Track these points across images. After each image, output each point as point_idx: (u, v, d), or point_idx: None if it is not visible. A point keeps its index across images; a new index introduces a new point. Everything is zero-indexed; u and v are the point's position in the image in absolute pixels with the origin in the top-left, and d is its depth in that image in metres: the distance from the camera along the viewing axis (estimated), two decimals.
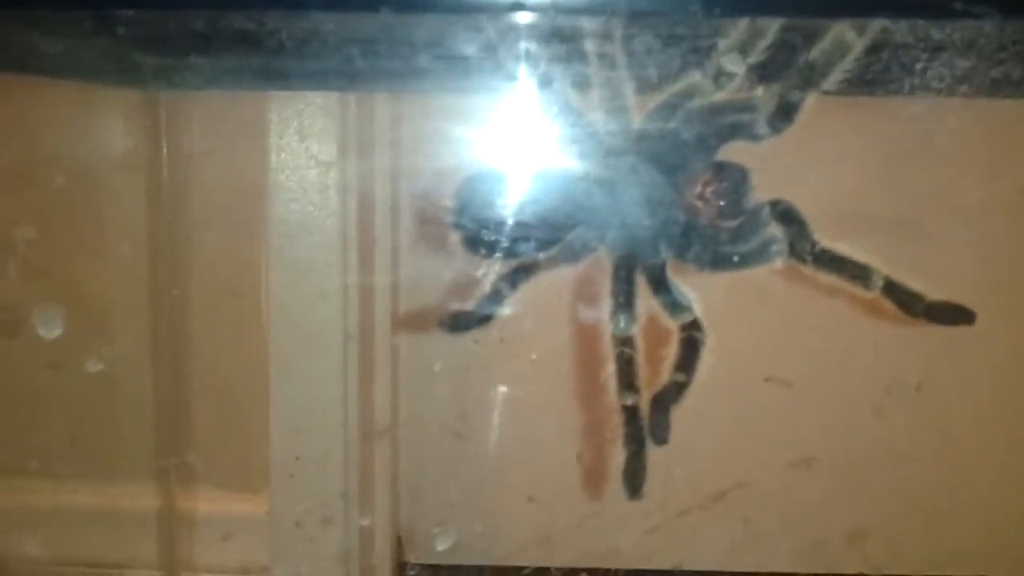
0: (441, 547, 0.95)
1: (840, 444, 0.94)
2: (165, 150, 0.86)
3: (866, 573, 0.95)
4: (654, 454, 0.56)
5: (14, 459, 0.96)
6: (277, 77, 0.79)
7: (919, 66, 0.47)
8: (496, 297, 0.56)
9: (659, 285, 0.54)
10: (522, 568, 0.98)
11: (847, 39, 0.46)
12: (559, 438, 0.94)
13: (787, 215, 0.51)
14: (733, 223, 0.53)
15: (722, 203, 0.53)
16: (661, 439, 0.55)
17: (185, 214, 0.90)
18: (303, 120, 0.86)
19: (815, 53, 0.47)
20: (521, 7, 0.43)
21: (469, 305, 0.58)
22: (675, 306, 0.54)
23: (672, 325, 0.54)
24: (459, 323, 0.63)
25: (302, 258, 0.88)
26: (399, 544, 0.99)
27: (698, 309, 0.54)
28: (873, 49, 0.46)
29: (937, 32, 0.45)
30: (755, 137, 0.51)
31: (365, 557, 0.95)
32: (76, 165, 0.90)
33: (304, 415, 0.90)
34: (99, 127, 0.90)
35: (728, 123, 0.52)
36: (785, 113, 0.50)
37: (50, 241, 0.92)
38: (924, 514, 0.95)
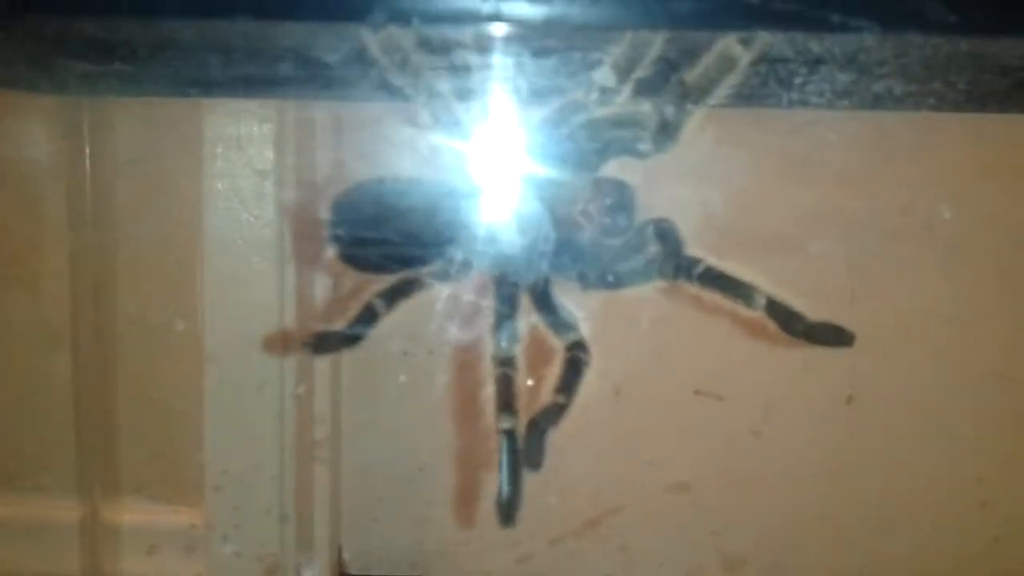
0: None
1: (718, 467, 0.94)
2: (88, 158, 0.85)
3: None
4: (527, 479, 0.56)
5: None
6: (209, 84, 0.78)
7: (798, 80, 0.47)
8: (369, 316, 0.56)
9: (543, 304, 0.54)
10: None
11: (733, 53, 0.46)
12: (432, 461, 0.94)
13: (668, 234, 0.50)
14: (617, 241, 0.52)
15: (605, 220, 0.52)
16: (535, 464, 0.53)
17: (111, 223, 0.89)
18: (239, 127, 0.86)
19: (700, 68, 0.47)
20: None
21: (336, 325, 0.57)
22: (560, 325, 0.53)
23: (557, 344, 0.53)
24: (323, 344, 0.62)
25: (237, 268, 0.87)
26: (340, 557, 0.99)
27: (582, 329, 0.53)
28: (751, 63, 0.46)
29: (816, 45, 0.45)
30: (639, 154, 0.51)
31: (300, 571, 0.94)
32: None
33: (236, 429, 0.90)
34: (18, 133, 0.89)
35: (611, 139, 0.51)
36: (667, 131, 0.49)
37: None
38: (804, 538, 0.96)
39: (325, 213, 0.56)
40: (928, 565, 0.98)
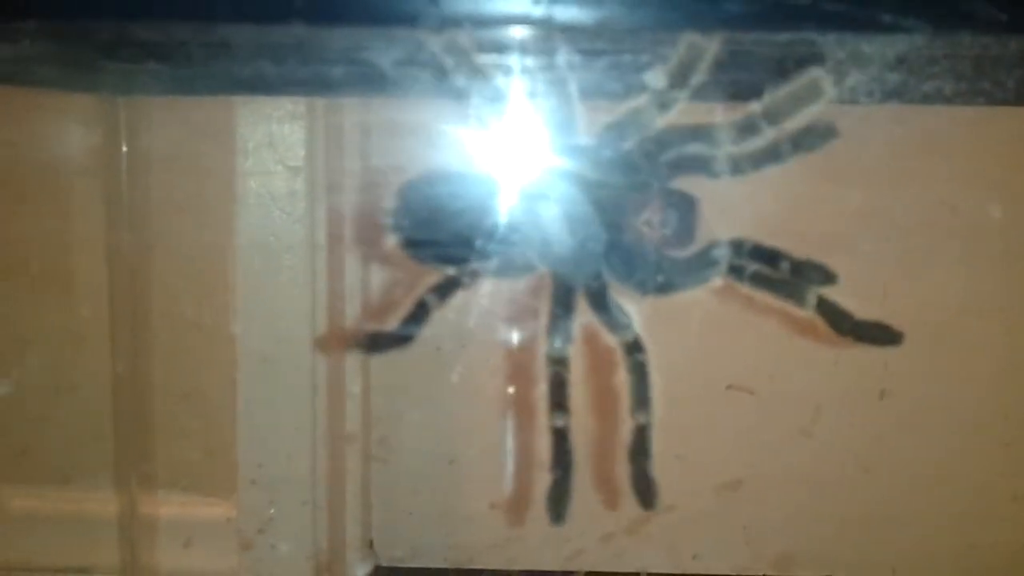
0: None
1: (768, 466, 0.95)
2: (125, 155, 0.86)
3: None
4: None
5: None
6: (242, 84, 0.79)
7: (849, 81, 0.47)
8: (421, 313, 0.56)
9: (599, 304, 0.54)
10: (481, 571, 0.99)
11: (821, 85, 0.47)
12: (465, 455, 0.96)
13: (754, 252, 0.51)
14: (679, 254, 0.53)
15: (667, 231, 0.53)
16: (651, 503, 0.54)
17: (147, 221, 0.90)
18: (271, 125, 0.87)
19: (783, 94, 0.48)
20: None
21: (391, 324, 0.57)
22: (615, 324, 0.53)
23: (612, 342, 0.54)
24: (376, 344, 0.62)
25: (269, 265, 0.88)
26: (371, 549, 1.00)
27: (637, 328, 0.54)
28: (800, 63, 0.47)
29: (867, 46, 0.45)
30: (713, 174, 0.51)
31: (335, 563, 0.95)
32: (33, 171, 0.90)
33: (270, 422, 0.91)
34: (56, 132, 0.90)
35: (685, 154, 0.52)
36: (745, 161, 0.50)
37: (7, 247, 0.92)
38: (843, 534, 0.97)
39: (390, 202, 0.56)
40: (964, 558, 0.98)
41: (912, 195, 0.76)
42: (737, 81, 0.48)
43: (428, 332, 0.91)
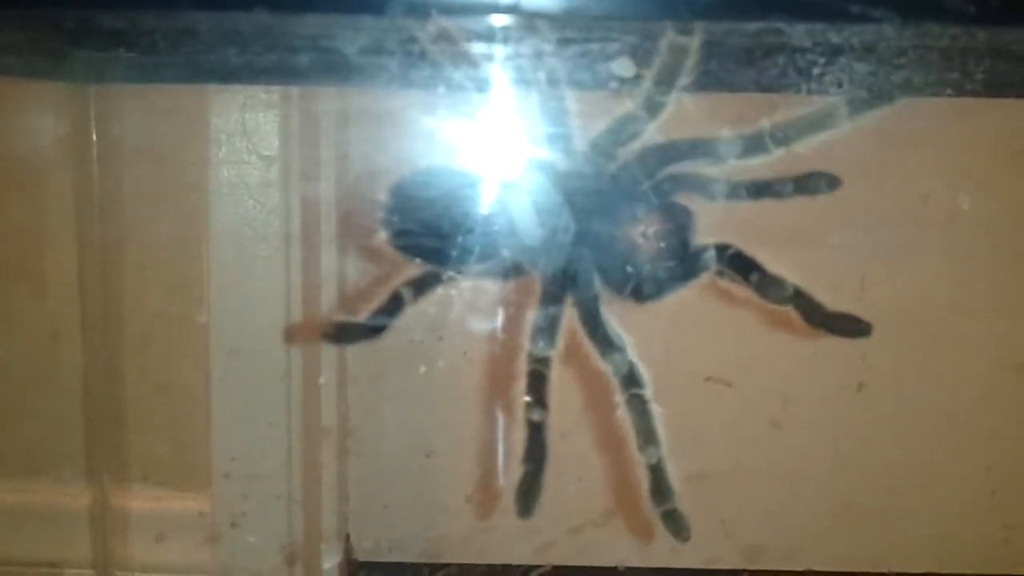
0: None
1: (745, 457, 0.96)
2: (95, 144, 0.86)
3: None
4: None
5: None
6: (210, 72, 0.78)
7: (816, 71, 0.48)
8: (395, 305, 0.56)
9: (592, 323, 0.54)
10: (448, 565, 0.99)
11: (836, 113, 0.48)
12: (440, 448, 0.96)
13: (737, 259, 0.51)
14: (672, 263, 0.53)
15: (663, 244, 0.53)
16: (683, 536, 0.54)
17: (118, 211, 0.89)
18: (245, 114, 0.86)
19: (796, 121, 0.48)
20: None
21: (360, 315, 0.57)
22: (608, 347, 0.53)
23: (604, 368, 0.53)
24: (345, 335, 0.62)
25: (243, 255, 0.88)
26: (347, 542, 1.00)
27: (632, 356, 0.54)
28: (769, 53, 0.47)
29: (835, 36, 0.46)
30: (711, 195, 0.51)
31: (310, 556, 0.96)
32: (1, 161, 0.89)
33: (243, 416, 0.91)
34: (25, 122, 0.89)
35: (683, 171, 0.52)
36: (745, 188, 0.50)
37: None
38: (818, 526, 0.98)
39: (383, 197, 0.56)
40: (939, 552, 0.99)
41: (882, 187, 0.77)
42: (707, 71, 0.48)
43: (403, 325, 0.92)
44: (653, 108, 0.51)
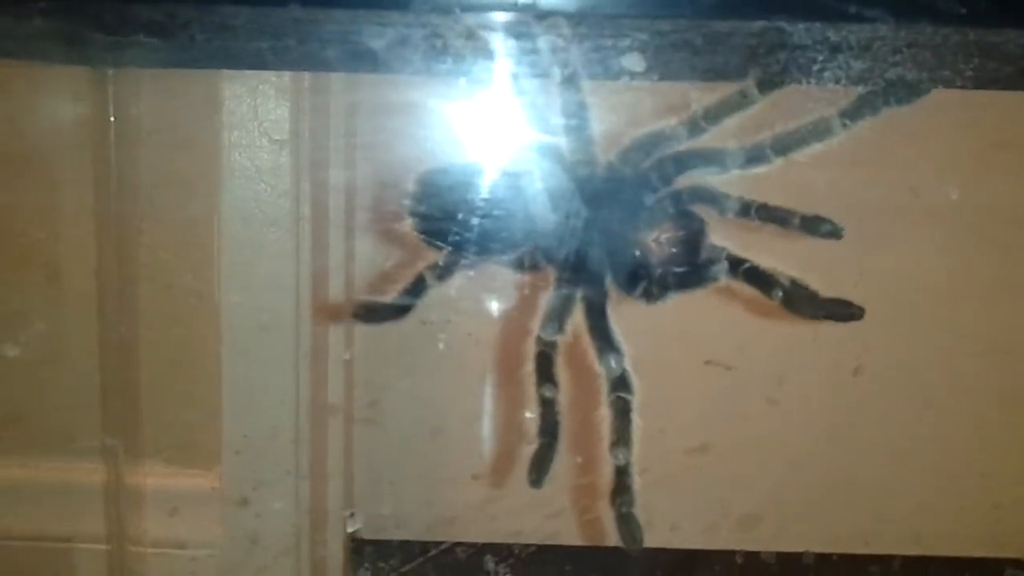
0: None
1: (734, 433, 1.00)
2: (113, 126, 0.89)
3: None
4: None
5: None
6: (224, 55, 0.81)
7: (816, 67, 0.51)
8: (419, 287, 0.59)
9: (597, 322, 0.57)
10: (473, 544, 1.03)
11: (832, 125, 0.51)
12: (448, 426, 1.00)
13: (753, 274, 0.54)
14: (682, 269, 0.56)
15: (674, 250, 0.56)
16: (639, 544, 0.56)
17: (135, 193, 0.92)
18: (256, 98, 0.89)
19: (796, 130, 0.51)
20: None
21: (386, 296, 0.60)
22: (607, 347, 0.56)
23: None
24: (371, 314, 0.65)
25: (254, 237, 0.91)
26: (353, 518, 1.03)
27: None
28: (771, 50, 0.51)
29: (834, 34, 0.49)
30: (722, 209, 0.55)
31: (316, 533, 0.99)
32: (22, 143, 0.92)
33: (254, 394, 0.94)
34: (45, 105, 0.91)
35: (697, 184, 0.55)
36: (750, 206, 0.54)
37: None
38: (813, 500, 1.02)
39: (410, 186, 0.59)
40: (929, 531, 1.03)
41: (875, 177, 0.81)
42: (712, 67, 0.52)
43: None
44: (694, 131, 0.54)
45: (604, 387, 0.57)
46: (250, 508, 0.96)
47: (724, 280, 0.56)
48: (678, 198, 0.57)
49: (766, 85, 0.52)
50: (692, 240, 0.57)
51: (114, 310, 0.94)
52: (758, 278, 0.55)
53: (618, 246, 0.58)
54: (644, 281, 0.57)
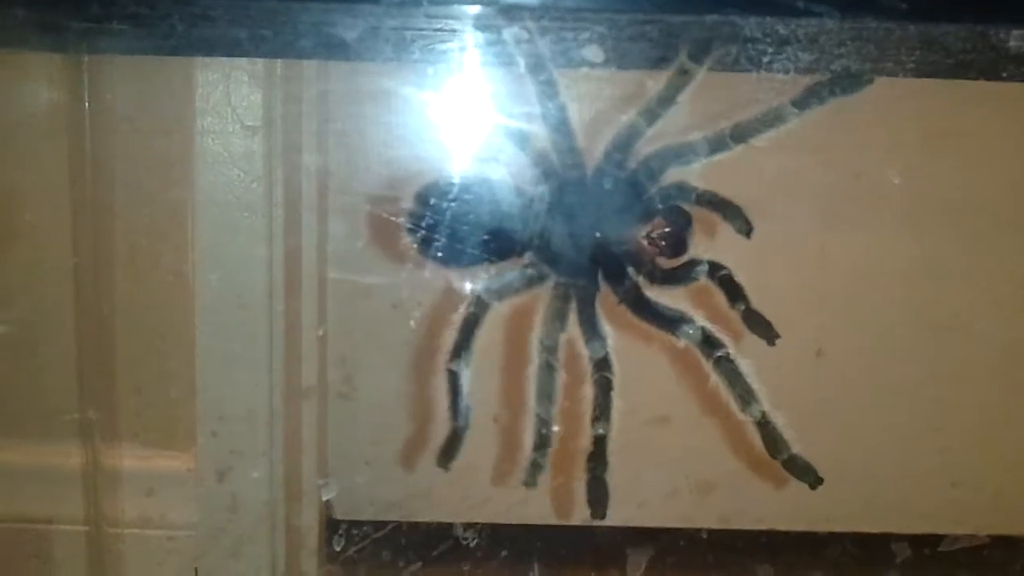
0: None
1: (695, 407, 1.02)
2: (87, 112, 0.90)
3: None
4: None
5: None
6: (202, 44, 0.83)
7: (766, 59, 0.55)
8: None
9: (585, 312, 0.61)
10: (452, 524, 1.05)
11: (784, 113, 0.55)
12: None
13: (727, 283, 0.58)
14: (669, 265, 0.60)
15: (664, 244, 0.60)
16: (602, 513, 0.61)
17: (109, 177, 0.94)
18: (230, 85, 0.91)
19: (752, 118, 0.55)
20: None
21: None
22: (593, 335, 0.61)
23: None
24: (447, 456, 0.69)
25: (228, 222, 0.93)
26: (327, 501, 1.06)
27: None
28: (724, 42, 0.54)
29: (783, 27, 0.53)
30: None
31: (291, 515, 1.02)
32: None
33: (229, 376, 0.96)
34: (19, 91, 0.93)
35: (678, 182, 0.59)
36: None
37: None
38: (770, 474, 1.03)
39: (408, 204, 0.62)
40: (888, 509, 1.07)
41: (822, 162, 0.85)
42: (666, 57, 0.55)
43: (386, 290, 0.97)
44: (651, 118, 0.58)
45: (589, 368, 0.62)
46: (226, 487, 0.98)
47: (703, 280, 0.60)
48: (666, 193, 0.61)
49: (697, 54, 0.55)
50: (680, 235, 0.61)
51: (90, 294, 0.95)
52: (730, 288, 0.59)
53: (606, 243, 0.62)
54: (630, 277, 0.61)
